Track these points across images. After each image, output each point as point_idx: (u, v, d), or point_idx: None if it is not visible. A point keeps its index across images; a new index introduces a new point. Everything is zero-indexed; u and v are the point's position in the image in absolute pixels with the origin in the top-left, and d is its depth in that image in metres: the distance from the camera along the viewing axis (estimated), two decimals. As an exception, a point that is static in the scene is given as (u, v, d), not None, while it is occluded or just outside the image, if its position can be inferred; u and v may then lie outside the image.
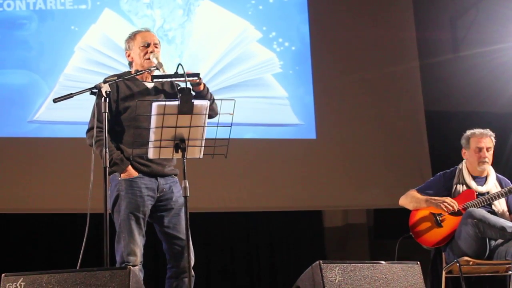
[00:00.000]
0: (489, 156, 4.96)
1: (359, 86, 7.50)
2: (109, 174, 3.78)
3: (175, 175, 4.01)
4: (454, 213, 4.84)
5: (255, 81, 7.15)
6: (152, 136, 3.49)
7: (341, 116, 7.38)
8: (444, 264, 4.88)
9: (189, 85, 3.61)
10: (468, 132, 5.06)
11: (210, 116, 3.81)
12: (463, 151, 5.05)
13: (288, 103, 7.20)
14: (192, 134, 3.51)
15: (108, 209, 3.59)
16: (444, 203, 4.83)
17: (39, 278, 3.02)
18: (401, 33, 7.80)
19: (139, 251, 3.79)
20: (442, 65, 8.09)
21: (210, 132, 3.56)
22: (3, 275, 3.13)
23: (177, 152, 3.52)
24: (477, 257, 4.65)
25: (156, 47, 4.01)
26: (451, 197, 4.91)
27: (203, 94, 3.95)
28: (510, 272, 4.64)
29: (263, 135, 7.09)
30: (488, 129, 5.04)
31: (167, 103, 3.44)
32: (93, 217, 3.58)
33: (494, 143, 5.02)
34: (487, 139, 4.99)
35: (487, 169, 5.00)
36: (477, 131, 5.03)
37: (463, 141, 5.06)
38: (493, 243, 4.69)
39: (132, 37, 4.06)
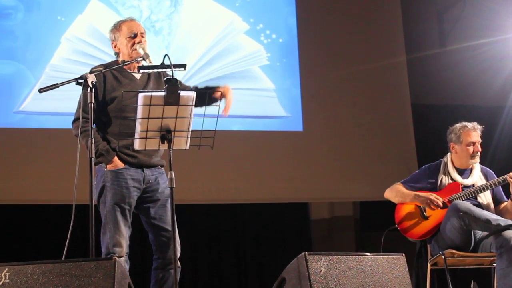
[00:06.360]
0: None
1: (346, 79, 7.51)
2: (95, 165, 3.77)
3: (162, 166, 4.00)
4: (439, 206, 4.86)
5: (242, 73, 7.14)
6: (138, 127, 3.47)
7: (328, 109, 7.40)
8: (429, 257, 4.89)
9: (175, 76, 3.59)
10: (458, 126, 4.98)
11: None
12: (452, 145, 4.97)
13: (275, 95, 7.20)
14: (178, 125, 3.49)
15: (94, 200, 3.58)
16: (429, 200, 4.81)
17: (24, 269, 3.01)
18: (388, 27, 7.83)
19: (124, 242, 3.78)
20: (429, 59, 8.11)
21: (196, 124, 3.55)
22: (-13, 265, 3.11)
23: (163, 143, 3.50)
24: (462, 250, 4.65)
25: (143, 37, 3.99)
26: (436, 189, 4.92)
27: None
28: (494, 264, 4.65)
29: (250, 127, 7.08)
30: (475, 123, 5.00)
31: (154, 94, 3.42)
32: (78, 208, 3.57)
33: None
34: (477, 133, 4.94)
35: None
36: (468, 125, 4.96)
37: (452, 135, 4.97)
38: (478, 235, 4.69)
39: (118, 27, 4.03)
